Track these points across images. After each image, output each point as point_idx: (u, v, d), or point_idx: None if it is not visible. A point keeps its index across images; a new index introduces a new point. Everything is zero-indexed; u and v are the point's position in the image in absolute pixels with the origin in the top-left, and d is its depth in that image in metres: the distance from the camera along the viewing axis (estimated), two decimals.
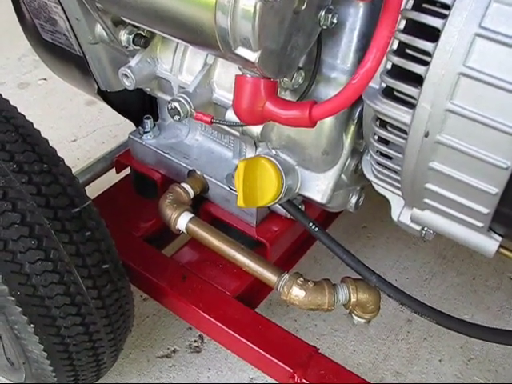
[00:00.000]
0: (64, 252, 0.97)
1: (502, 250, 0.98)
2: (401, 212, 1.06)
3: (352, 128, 1.01)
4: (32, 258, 0.94)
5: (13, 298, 0.95)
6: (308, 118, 0.83)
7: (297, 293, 1.06)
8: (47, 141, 1.03)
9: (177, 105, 1.00)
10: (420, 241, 1.67)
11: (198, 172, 1.23)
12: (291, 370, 1.09)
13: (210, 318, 1.15)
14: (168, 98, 1.15)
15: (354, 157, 1.06)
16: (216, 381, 1.38)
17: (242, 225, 1.22)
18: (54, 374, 1.07)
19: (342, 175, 1.07)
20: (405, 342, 1.45)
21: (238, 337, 1.13)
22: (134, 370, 1.39)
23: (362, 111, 0.98)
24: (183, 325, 1.48)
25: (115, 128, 2.00)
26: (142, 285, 1.25)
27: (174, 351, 1.43)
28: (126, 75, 1.08)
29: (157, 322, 1.49)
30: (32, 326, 0.98)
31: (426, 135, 0.84)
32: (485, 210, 0.88)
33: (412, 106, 0.85)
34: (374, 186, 1.07)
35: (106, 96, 1.23)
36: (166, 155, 1.26)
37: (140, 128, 1.30)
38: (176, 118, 1.01)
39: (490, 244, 0.97)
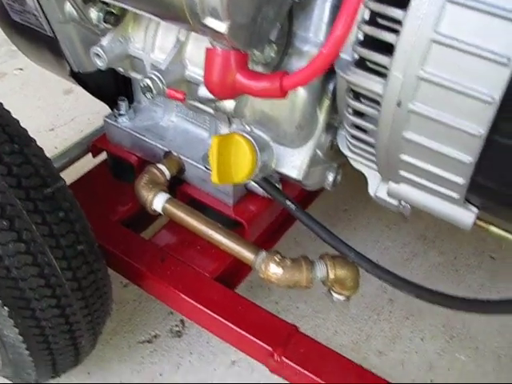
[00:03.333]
0: (37, 233, 0.96)
1: (478, 222, 0.98)
2: (377, 187, 1.05)
3: (326, 103, 1.00)
4: (4, 239, 0.93)
5: None
6: (279, 88, 0.82)
7: (274, 270, 1.05)
8: (18, 121, 1.01)
9: (149, 82, 0.98)
10: (401, 221, 1.67)
11: (174, 153, 1.22)
12: (271, 349, 1.08)
13: (189, 299, 1.14)
14: (141, 77, 1.13)
15: (329, 132, 1.05)
16: (198, 364, 1.37)
17: (220, 205, 1.21)
18: (31, 359, 1.05)
19: (318, 151, 1.06)
20: (387, 321, 1.46)
21: (218, 317, 1.12)
22: (114, 356, 1.38)
23: (336, 86, 0.97)
24: (164, 310, 1.46)
25: (93, 116, 1.98)
26: (120, 268, 1.24)
27: (155, 336, 1.42)
28: (97, 55, 1.06)
29: (137, 307, 1.48)
30: (6, 308, 0.96)
31: (399, 104, 0.84)
32: (460, 181, 0.87)
33: (384, 76, 0.84)
34: (350, 161, 1.07)
35: (79, 78, 1.21)
36: (142, 137, 1.25)
37: (115, 111, 1.28)
38: (148, 95, 1.00)
39: (466, 216, 0.96)
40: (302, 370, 1.06)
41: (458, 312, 1.44)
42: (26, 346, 1.02)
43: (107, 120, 1.29)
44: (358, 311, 1.47)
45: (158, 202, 1.15)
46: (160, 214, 1.30)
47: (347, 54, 0.89)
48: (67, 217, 1.00)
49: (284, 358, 1.07)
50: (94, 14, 1.03)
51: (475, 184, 0.87)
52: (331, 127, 1.06)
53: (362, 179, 1.06)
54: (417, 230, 1.66)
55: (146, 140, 1.25)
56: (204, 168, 1.18)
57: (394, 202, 1.05)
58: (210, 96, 0.96)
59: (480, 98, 0.77)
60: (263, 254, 1.07)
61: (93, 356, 1.35)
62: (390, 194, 1.03)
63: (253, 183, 1.19)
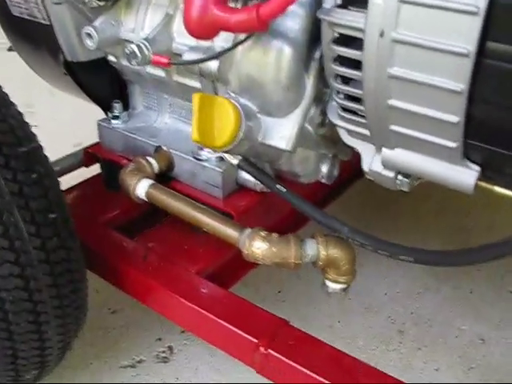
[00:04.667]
0: (5, 189, 0.90)
1: (482, 184, 0.90)
2: (372, 160, 0.99)
3: (314, 68, 0.97)
4: None
5: None
6: (256, 18, 0.80)
7: (259, 245, 0.96)
8: (1, 86, 1.00)
9: (135, 48, 0.98)
10: None
11: (164, 148, 1.18)
12: (256, 341, 0.96)
13: (168, 292, 1.04)
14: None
15: (318, 106, 1.01)
16: None
17: (210, 199, 1.14)
18: None
19: (308, 126, 1.02)
20: (397, 352, 1.31)
21: (197, 308, 1.01)
22: (94, 379, 1.25)
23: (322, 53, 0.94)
24: (152, 335, 1.35)
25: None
26: (100, 268, 1.15)
27: (139, 361, 1.29)
28: (89, 34, 1.07)
29: (124, 333, 1.36)
30: None
31: (382, 34, 0.80)
32: (454, 119, 0.81)
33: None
34: (342, 136, 1.01)
35: (74, 75, 1.21)
36: (133, 135, 1.22)
37: (109, 114, 1.27)
38: (134, 62, 0.99)
39: (467, 176, 0.88)
40: (290, 363, 0.93)
41: (476, 342, 1.31)
42: None
43: (101, 123, 1.28)
44: (365, 342, 1.33)
45: (142, 187, 1.09)
46: (152, 219, 1.25)
47: (329, 3, 0.88)
48: (40, 181, 0.95)
49: (271, 351, 0.95)
50: None
51: (472, 121, 0.80)
52: (321, 101, 1.02)
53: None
54: (429, 268, 1.53)
55: (138, 138, 1.22)
56: (193, 159, 1.14)
57: (390, 174, 0.97)
58: (195, 57, 0.96)
59: (465, 10, 0.73)
60: (248, 230, 0.99)
61: (70, 378, 1.24)
62: (385, 165, 0.96)
63: (244, 176, 1.14)
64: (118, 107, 1.26)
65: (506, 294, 1.45)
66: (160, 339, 1.34)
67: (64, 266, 0.98)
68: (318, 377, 0.89)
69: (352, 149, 1.05)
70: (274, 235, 0.97)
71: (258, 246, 0.96)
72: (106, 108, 1.29)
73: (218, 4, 0.83)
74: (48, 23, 1.13)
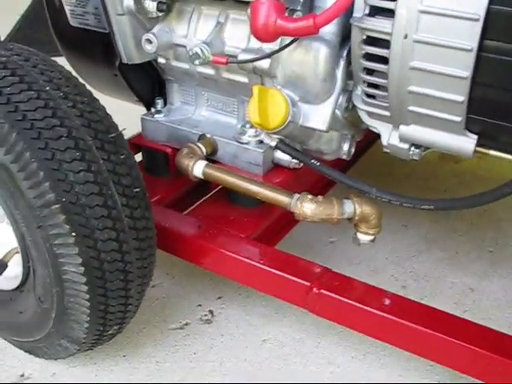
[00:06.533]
0: (103, 167, 1.10)
1: (479, 149, 1.15)
2: (390, 136, 1.23)
3: (342, 64, 1.21)
4: (76, 168, 1.06)
5: (58, 205, 1.05)
6: (313, 25, 1.04)
7: (308, 206, 1.19)
8: (84, 84, 1.19)
9: (198, 50, 1.20)
10: (403, 227, 1.82)
11: (208, 135, 1.39)
12: (308, 284, 1.18)
13: (226, 252, 1.26)
14: (184, 65, 1.34)
15: (345, 95, 1.25)
16: (230, 344, 1.43)
17: (251, 176, 1.35)
18: (87, 297, 1.12)
19: (337, 110, 1.25)
20: None
21: (254, 263, 1.23)
22: (149, 341, 1.43)
23: (349, 51, 1.19)
24: (193, 302, 1.54)
25: None
26: (163, 240, 1.33)
27: (186, 324, 1.49)
28: (149, 40, 1.28)
29: (167, 302, 1.55)
30: (73, 234, 1.07)
31: (405, 37, 1.05)
32: (460, 98, 1.06)
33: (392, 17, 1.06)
34: (364, 118, 1.25)
35: (125, 76, 1.41)
36: (178, 126, 1.43)
37: (152, 109, 1.47)
38: (197, 61, 1.20)
39: (468, 144, 1.14)
40: (342, 299, 1.15)
41: (466, 291, 1.58)
42: (86, 279, 1.10)
43: (144, 117, 1.48)
44: None
45: (198, 167, 1.30)
46: (195, 199, 1.46)
47: (359, 12, 1.11)
48: (126, 161, 1.15)
49: (323, 291, 1.17)
50: (149, 4, 1.26)
51: (474, 100, 1.06)
52: (346, 91, 1.26)
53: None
54: (419, 233, 1.80)
55: (182, 128, 1.42)
56: (236, 143, 1.35)
57: (405, 146, 1.22)
58: (249, 57, 1.18)
59: (470, 18, 0.98)
60: (297, 195, 1.22)
61: (128, 342, 1.42)
62: (401, 139, 1.21)
63: (279, 156, 1.36)
64: (160, 103, 1.47)
65: (486, 253, 1.73)
66: (200, 305, 1.54)
67: (145, 233, 1.18)
68: (367, 308, 1.13)
69: (365, 130, 1.31)
70: (319, 197, 1.21)
71: (307, 207, 1.19)
72: (147, 104, 1.50)
73: (280, 14, 1.06)
74: (106, 31, 1.33)
